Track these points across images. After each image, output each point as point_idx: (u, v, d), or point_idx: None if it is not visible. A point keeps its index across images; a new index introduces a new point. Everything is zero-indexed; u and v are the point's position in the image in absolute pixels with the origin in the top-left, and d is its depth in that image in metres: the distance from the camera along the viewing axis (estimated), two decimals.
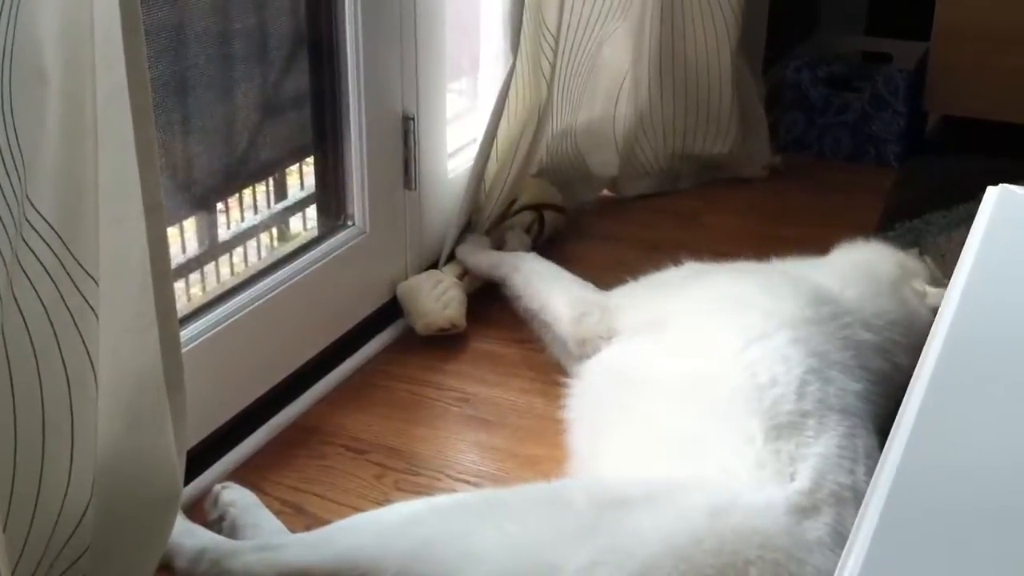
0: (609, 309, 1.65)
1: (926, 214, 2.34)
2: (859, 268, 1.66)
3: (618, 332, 1.61)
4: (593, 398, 1.50)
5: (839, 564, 0.53)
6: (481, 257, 1.92)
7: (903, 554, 0.51)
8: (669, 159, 2.49)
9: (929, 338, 0.65)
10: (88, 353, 1.07)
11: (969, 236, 0.77)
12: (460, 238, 1.97)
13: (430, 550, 1.16)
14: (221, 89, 1.59)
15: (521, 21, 1.85)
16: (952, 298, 0.66)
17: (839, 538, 1.13)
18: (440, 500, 1.28)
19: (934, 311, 1.66)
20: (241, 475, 1.48)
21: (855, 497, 1.19)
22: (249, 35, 1.65)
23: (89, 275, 1.05)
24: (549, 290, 1.76)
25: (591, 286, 1.74)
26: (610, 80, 2.35)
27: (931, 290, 1.66)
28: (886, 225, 2.30)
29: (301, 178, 1.81)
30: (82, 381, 1.07)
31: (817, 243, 1.82)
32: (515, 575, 1.10)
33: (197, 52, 1.52)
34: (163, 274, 1.14)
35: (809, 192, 2.53)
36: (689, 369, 1.39)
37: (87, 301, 1.06)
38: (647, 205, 2.43)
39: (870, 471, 1.24)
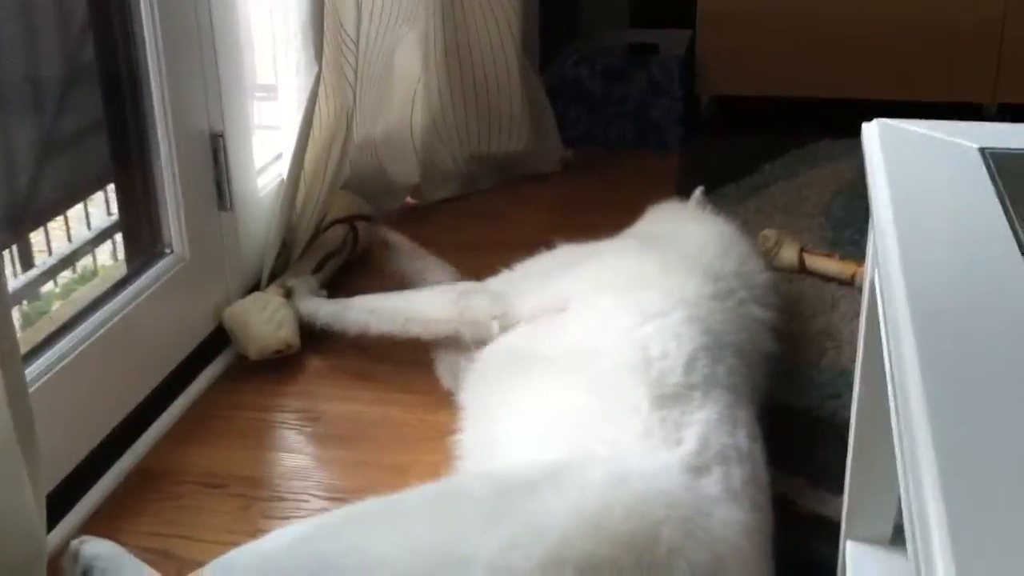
0: (498, 294, 1.62)
1: (717, 189, 2.45)
2: (717, 239, 1.70)
3: (517, 318, 1.59)
4: (488, 381, 1.48)
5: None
6: (314, 308, 1.80)
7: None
8: (467, 162, 2.50)
9: (882, 288, 0.66)
10: None
11: (869, 175, 0.80)
12: (278, 258, 1.90)
13: (326, 566, 1.10)
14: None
15: (323, 28, 1.80)
16: (887, 243, 0.67)
17: (732, 492, 1.17)
18: (325, 516, 1.22)
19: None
20: (93, 528, 1.37)
21: (738, 455, 1.23)
22: (39, 65, 1.53)
23: None
24: (409, 301, 1.71)
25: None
26: (404, 87, 2.33)
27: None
28: None
29: (108, 207, 1.70)
30: None
31: (621, 227, 1.89)
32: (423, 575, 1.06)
33: None
34: (0, 313, 1.04)
35: (603, 180, 2.60)
36: (583, 347, 1.39)
37: None
38: (452, 208, 2.43)
39: (748, 436, 1.29)
